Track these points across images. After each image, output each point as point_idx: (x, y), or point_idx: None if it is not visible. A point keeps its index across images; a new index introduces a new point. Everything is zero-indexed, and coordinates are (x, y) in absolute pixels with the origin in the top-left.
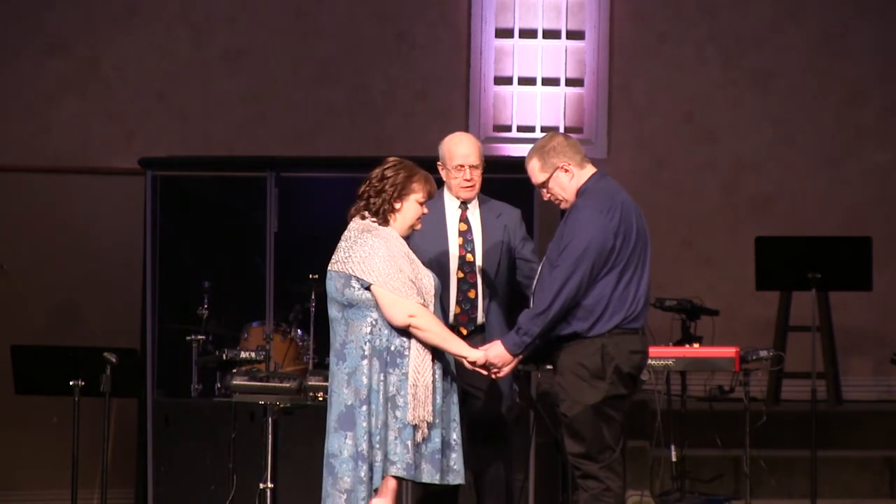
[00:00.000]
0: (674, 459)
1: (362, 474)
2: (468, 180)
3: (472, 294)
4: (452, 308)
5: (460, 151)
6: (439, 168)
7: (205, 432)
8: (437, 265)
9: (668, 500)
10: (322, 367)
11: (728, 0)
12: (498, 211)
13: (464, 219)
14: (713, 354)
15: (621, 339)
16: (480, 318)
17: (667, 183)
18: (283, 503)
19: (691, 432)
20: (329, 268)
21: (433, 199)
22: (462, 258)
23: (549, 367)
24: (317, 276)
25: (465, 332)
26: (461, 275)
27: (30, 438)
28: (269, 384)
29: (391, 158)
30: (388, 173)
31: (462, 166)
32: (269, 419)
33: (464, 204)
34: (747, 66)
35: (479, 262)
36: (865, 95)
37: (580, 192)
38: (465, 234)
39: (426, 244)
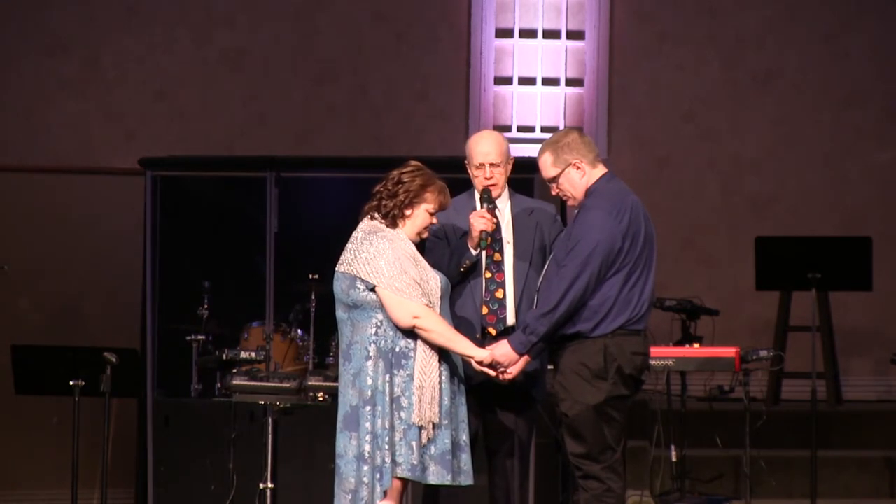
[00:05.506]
0: (674, 459)
1: (363, 475)
2: (488, 178)
3: (499, 294)
4: (480, 308)
5: (480, 150)
6: (466, 167)
7: (205, 432)
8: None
9: (668, 500)
10: (322, 367)
11: (728, 0)
12: (530, 208)
13: None
14: (713, 354)
15: (624, 340)
16: (510, 318)
17: (667, 183)
18: (283, 503)
19: (691, 432)
20: (336, 268)
21: (469, 198)
22: (490, 257)
23: (550, 366)
24: (317, 276)
25: (493, 332)
26: (489, 274)
27: (30, 438)
28: (269, 384)
29: (412, 162)
30: (405, 178)
31: (482, 165)
32: (269, 419)
33: (493, 202)
34: (747, 66)
35: (508, 261)
36: (865, 95)
37: (589, 192)
38: (493, 234)
39: (454, 244)
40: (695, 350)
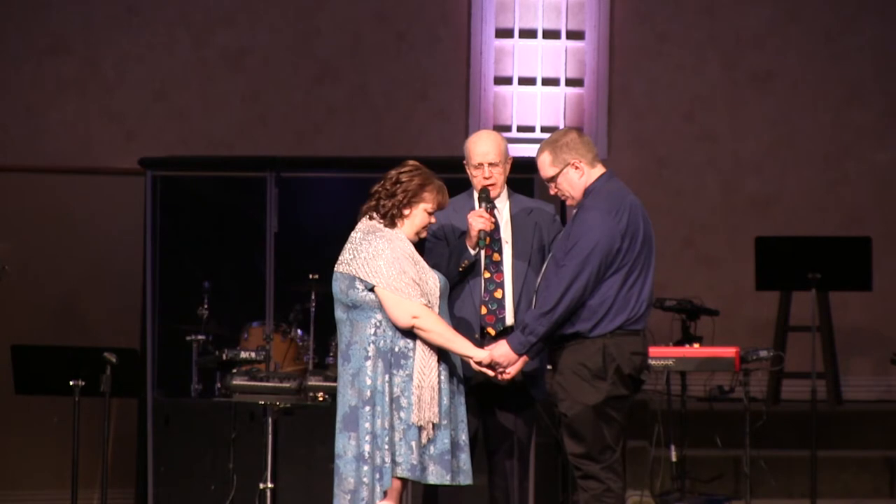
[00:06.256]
0: (674, 459)
1: (363, 475)
2: (486, 178)
3: (498, 294)
4: (479, 308)
5: (478, 150)
6: (465, 166)
7: (205, 432)
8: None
9: (668, 500)
10: (322, 367)
11: (728, 0)
12: (529, 208)
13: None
14: (713, 354)
15: (623, 340)
16: (509, 318)
17: (667, 183)
18: (283, 503)
19: (691, 432)
20: (335, 269)
21: (468, 198)
22: (488, 257)
23: (549, 367)
24: (317, 276)
25: (493, 332)
26: (487, 275)
27: (30, 438)
28: (269, 384)
29: (410, 162)
30: (403, 178)
31: (481, 165)
32: (269, 419)
33: (491, 202)
34: (747, 66)
35: (507, 261)
36: (865, 95)
37: (588, 192)
38: (492, 233)
39: (453, 244)
40: (695, 350)
